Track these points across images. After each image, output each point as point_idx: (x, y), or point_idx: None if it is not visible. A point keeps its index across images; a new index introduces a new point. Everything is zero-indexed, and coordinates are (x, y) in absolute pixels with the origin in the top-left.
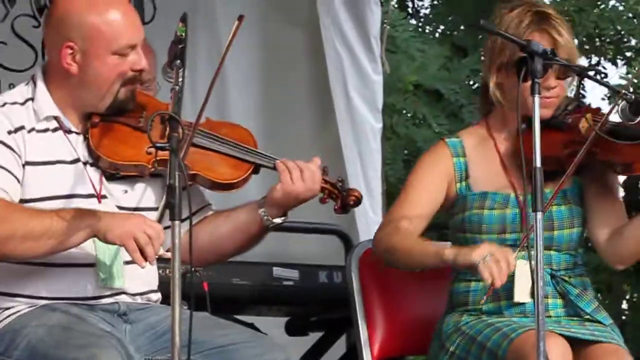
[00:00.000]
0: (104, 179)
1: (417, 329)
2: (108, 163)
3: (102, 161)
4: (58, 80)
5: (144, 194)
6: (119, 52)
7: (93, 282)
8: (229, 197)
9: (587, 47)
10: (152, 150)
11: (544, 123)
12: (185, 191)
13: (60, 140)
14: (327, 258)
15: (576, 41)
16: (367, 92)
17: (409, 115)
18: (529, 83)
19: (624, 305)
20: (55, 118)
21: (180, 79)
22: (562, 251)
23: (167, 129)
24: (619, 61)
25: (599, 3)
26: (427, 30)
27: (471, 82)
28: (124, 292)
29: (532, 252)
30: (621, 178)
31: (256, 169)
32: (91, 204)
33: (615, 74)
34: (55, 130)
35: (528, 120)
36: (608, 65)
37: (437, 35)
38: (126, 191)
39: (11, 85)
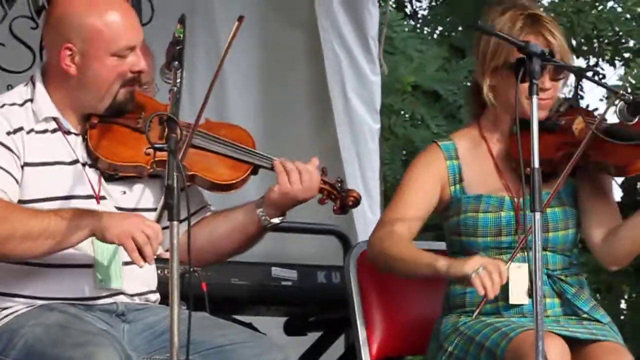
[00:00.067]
0: (102, 180)
1: (416, 329)
2: (107, 164)
3: (100, 162)
4: (57, 81)
5: (143, 195)
6: (117, 53)
7: (91, 283)
8: (227, 197)
9: (585, 48)
10: (151, 151)
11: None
12: (184, 192)
13: (59, 141)
14: (326, 258)
15: (574, 42)
16: (365, 93)
17: (407, 116)
18: (524, 85)
19: (623, 305)
20: (54, 119)
21: (179, 80)
22: (558, 252)
23: (166, 130)
24: (617, 62)
25: (597, 4)
26: (425, 32)
27: (469, 83)
28: (122, 293)
29: (530, 253)
30: (620, 179)
31: (255, 169)
32: (90, 205)
33: (614, 75)
34: (54, 131)
35: (520, 122)
36: (606, 66)
37: (435, 36)
38: (125, 192)
39: (9, 87)
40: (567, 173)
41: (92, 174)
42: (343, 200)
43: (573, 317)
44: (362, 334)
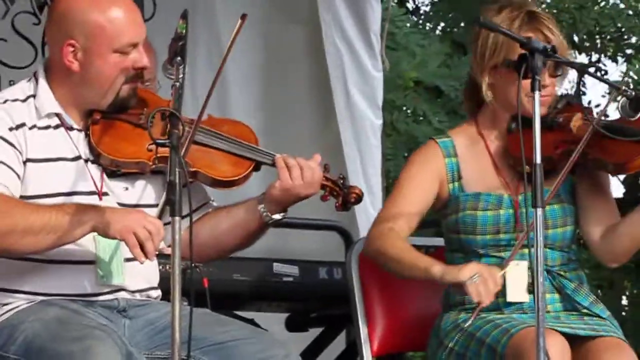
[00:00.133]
0: (105, 176)
1: (417, 325)
2: (109, 160)
3: (103, 158)
4: (60, 77)
5: (145, 191)
6: (120, 50)
7: (92, 279)
8: (229, 193)
9: (587, 44)
10: (153, 147)
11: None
12: (186, 188)
13: (61, 137)
14: (327, 254)
15: (576, 38)
16: (367, 89)
17: (409, 111)
18: (523, 82)
19: (624, 302)
20: (57, 115)
21: (181, 76)
22: (556, 249)
23: (168, 125)
24: (619, 58)
25: (599, 0)
26: (427, 27)
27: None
28: (123, 289)
29: (530, 250)
30: (621, 175)
31: (257, 166)
32: (92, 201)
33: (616, 71)
34: (56, 127)
35: (517, 119)
36: (608, 62)
37: (437, 32)
38: (127, 188)
39: (11, 82)
40: (568, 170)
41: (94, 170)
42: (345, 196)
43: (573, 313)
44: (363, 330)
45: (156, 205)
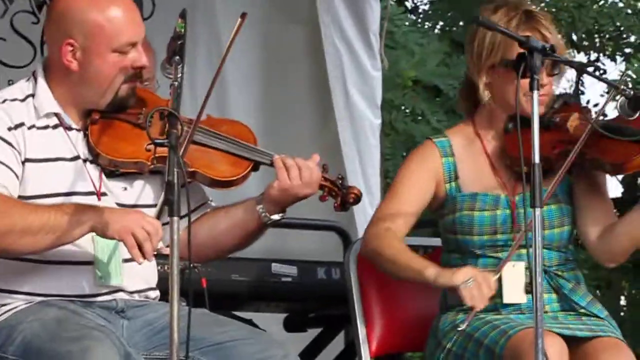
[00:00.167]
0: (103, 176)
1: (415, 325)
2: (107, 160)
3: (101, 158)
4: (59, 76)
5: (143, 191)
6: (119, 49)
7: (90, 280)
8: (228, 193)
9: (586, 43)
10: (152, 147)
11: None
12: (184, 188)
13: (60, 137)
14: (326, 254)
15: (575, 37)
16: (366, 88)
17: (407, 111)
18: (520, 81)
19: (623, 302)
20: (56, 115)
21: (180, 75)
22: (553, 249)
23: (166, 125)
24: (618, 57)
25: None
26: (426, 26)
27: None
28: (121, 290)
29: (527, 250)
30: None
31: (255, 166)
32: (91, 201)
33: (615, 70)
34: (55, 127)
35: (514, 118)
36: (607, 61)
37: (436, 31)
38: (125, 188)
39: (10, 82)
40: (565, 170)
41: (93, 170)
42: (344, 197)
43: (571, 313)
44: (361, 330)
45: (155, 205)
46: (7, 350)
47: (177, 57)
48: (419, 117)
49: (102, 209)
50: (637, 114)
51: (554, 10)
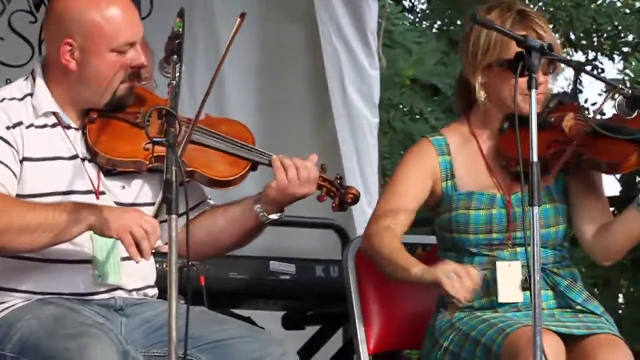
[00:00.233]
0: (101, 175)
1: (413, 323)
2: (105, 159)
3: (99, 157)
4: (57, 76)
5: (142, 190)
6: (118, 49)
7: (88, 279)
8: (226, 193)
9: (584, 42)
10: (150, 146)
11: (527, 121)
12: (182, 186)
13: (58, 136)
14: (324, 252)
15: (573, 36)
16: (364, 87)
17: (405, 109)
18: (515, 80)
19: (621, 300)
20: (54, 114)
21: (177, 75)
22: (549, 247)
23: (165, 124)
24: (615, 56)
25: None
26: (423, 25)
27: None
28: (120, 288)
29: (522, 249)
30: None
31: (254, 166)
32: (89, 200)
33: (612, 69)
34: (53, 126)
35: (510, 118)
36: (605, 60)
37: (433, 30)
38: (124, 187)
39: (8, 81)
40: (558, 168)
41: (91, 169)
42: (342, 197)
43: (568, 310)
44: (359, 328)
45: (153, 204)
46: (5, 347)
47: (175, 57)
48: (417, 116)
49: (100, 208)
50: (635, 113)
51: (551, 9)
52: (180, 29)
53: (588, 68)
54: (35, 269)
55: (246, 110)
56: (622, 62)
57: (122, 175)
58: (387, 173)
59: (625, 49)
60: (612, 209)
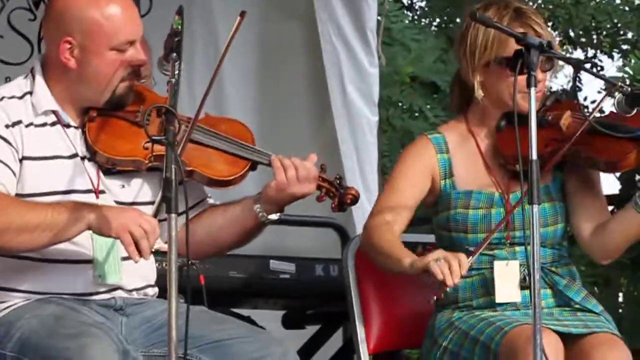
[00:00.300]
0: (101, 173)
1: (413, 322)
2: (105, 158)
3: (99, 156)
4: (57, 74)
5: (141, 189)
6: (117, 47)
7: (89, 279)
8: (225, 192)
9: (583, 39)
10: (149, 144)
11: (525, 119)
12: (182, 185)
13: (58, 135)
14: (324, 251)
15: (573, 34)
16: (364, 86)
17: (405, 107)
18: (513, 79)
19: (621, 299)
20: (54, 112)
21: (177, 72)
22: (547, 246)
23: (164, 122)
24: (615, 54)
25: None
26: (422, 23)
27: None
28: (120, 288)
29: (521, 248)
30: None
31: (253, 165)
32: (89, 199)
33: (612, 66)
34: (53, 124)
35: (507, 116)
36: (604, 58)
37: (432, 27)
38: (123, 186)
39: (7, 79)
40: (554, 163)
41: (90, 168)
42: (341, 197)
43: (566, 309)
44: (359, 327)
45: (153, 203)
46: (5, 346)
47: (175, 54)
48: (417, 114)
49: (99, 207)
50: (634, 111)
51: (551, 7)
52: (180, 27)
53: (587, 66)
54: (35, 269)
55: (245, 110)
56: (621, 59)
57: (121, 174)
58: (386, 171)
59: (624, 47)
60: (611, 207)
